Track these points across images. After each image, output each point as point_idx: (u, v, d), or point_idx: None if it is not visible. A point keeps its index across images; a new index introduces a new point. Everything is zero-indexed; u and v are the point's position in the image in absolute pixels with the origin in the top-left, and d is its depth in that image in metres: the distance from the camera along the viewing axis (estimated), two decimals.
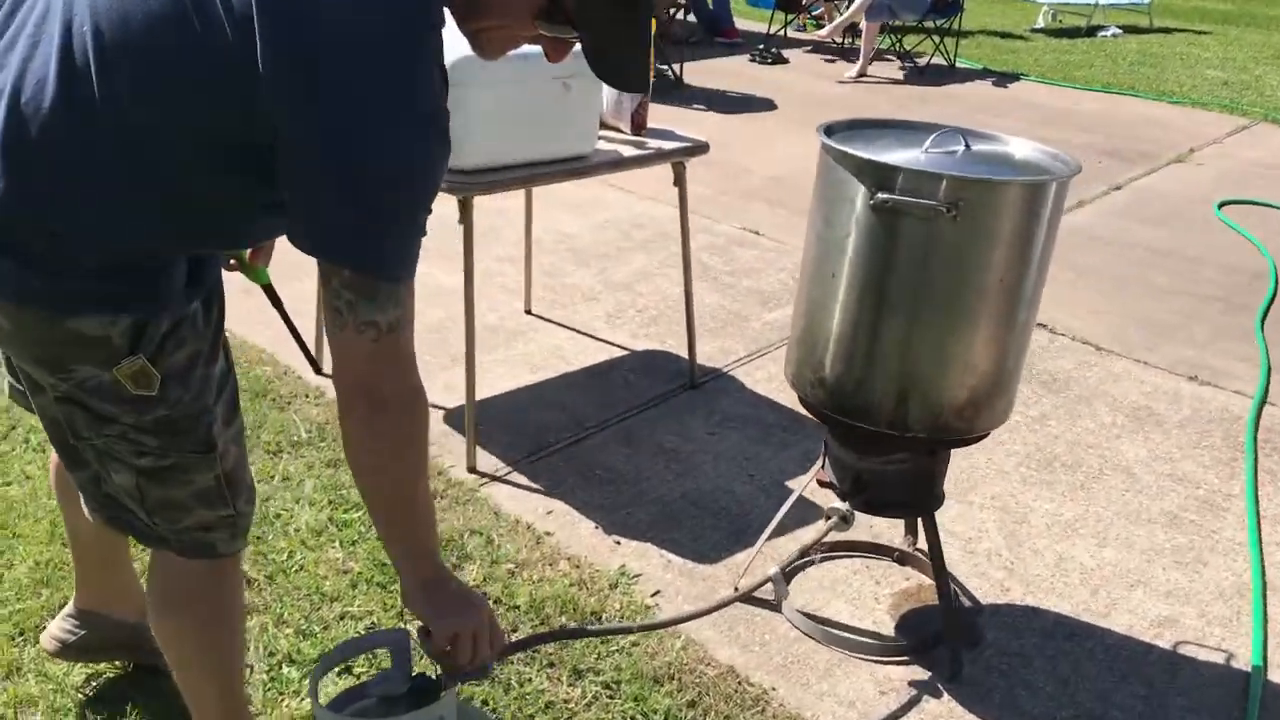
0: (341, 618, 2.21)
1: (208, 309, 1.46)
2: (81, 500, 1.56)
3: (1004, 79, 8.76)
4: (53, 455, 1.68)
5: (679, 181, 2.99)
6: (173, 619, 1.59)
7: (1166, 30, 12.27)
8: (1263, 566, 2.54)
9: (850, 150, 1.80)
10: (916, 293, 1.81)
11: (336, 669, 2.02)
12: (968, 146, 1.91)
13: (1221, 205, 5.42)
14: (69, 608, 1.92)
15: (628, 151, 2.81)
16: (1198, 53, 10.72)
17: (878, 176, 1.77)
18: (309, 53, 1.13)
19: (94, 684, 2.00)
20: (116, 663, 2.01)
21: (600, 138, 2.86)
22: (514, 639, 2.13)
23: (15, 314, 1.29)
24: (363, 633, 2.17)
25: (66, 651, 1.92)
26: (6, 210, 1.21)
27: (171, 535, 1.50)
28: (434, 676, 1.40)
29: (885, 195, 1.76)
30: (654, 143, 2.89)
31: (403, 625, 2.07)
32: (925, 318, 1.82)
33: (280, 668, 2.07)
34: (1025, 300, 1.86)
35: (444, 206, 2.58)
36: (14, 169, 1.19)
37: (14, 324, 1.30)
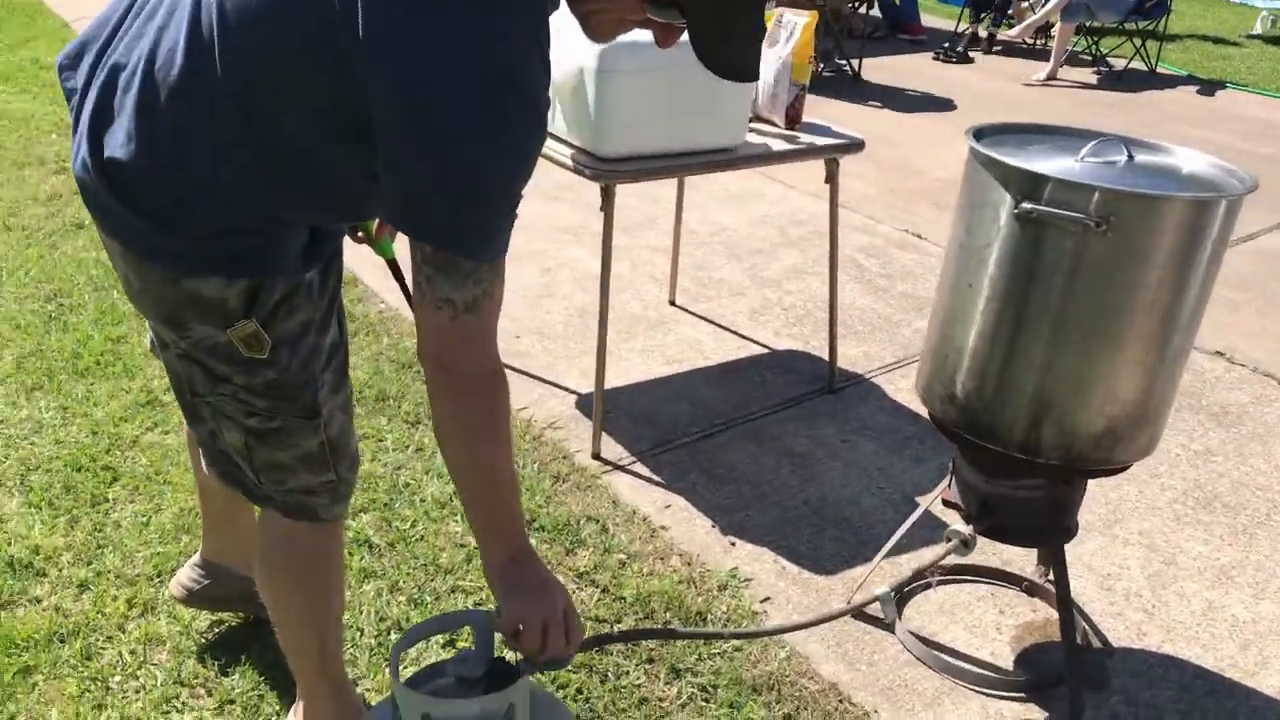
0: (453, 591, 2.25)
1: (324, 279, 1.50)
2: (201, 454, 1.63)
3: (1210, 87, 8.19)
4: None
5: (831, 179, 2.91)
6: (274, 576, 1.65)
7: None
8: None
9: (996, 155, 1.70)
10: (1058, 312, 1.69)
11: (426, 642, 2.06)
12: (1130, 157, 1.77)
13: None
14: (195, 557, 2.02)
15: (778, 145, 2.75)
16: None
17: (1024, 185, 1.66)
18: (405, 26, 1.13)
19: (217, 630, 2.09)
20: (239, 614, 2.10)
21: (752, 130, 2.81)
22: (609, 630, 2.13)
23: (143, 271, 1.36)
24: (471, 608, 2.20)
25: (191, 599, 2.02)
26: (138, 172, 1.28)
27: (276, 495, 1.55)
28: (513, 661, 1.40)
29: (1031, 205, 1.65)
30: (807, 138, 2.81)
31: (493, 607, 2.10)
32: (1066, 339, 1.70)
33: (389, 634, 2.13)
34: (1180, 327, 1.72)
35: (594, 192, 2.59)
36: (145, 133, 1.26)
37: (141, 280, 1.37)
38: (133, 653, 2.01)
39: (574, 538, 2.44)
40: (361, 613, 2.16)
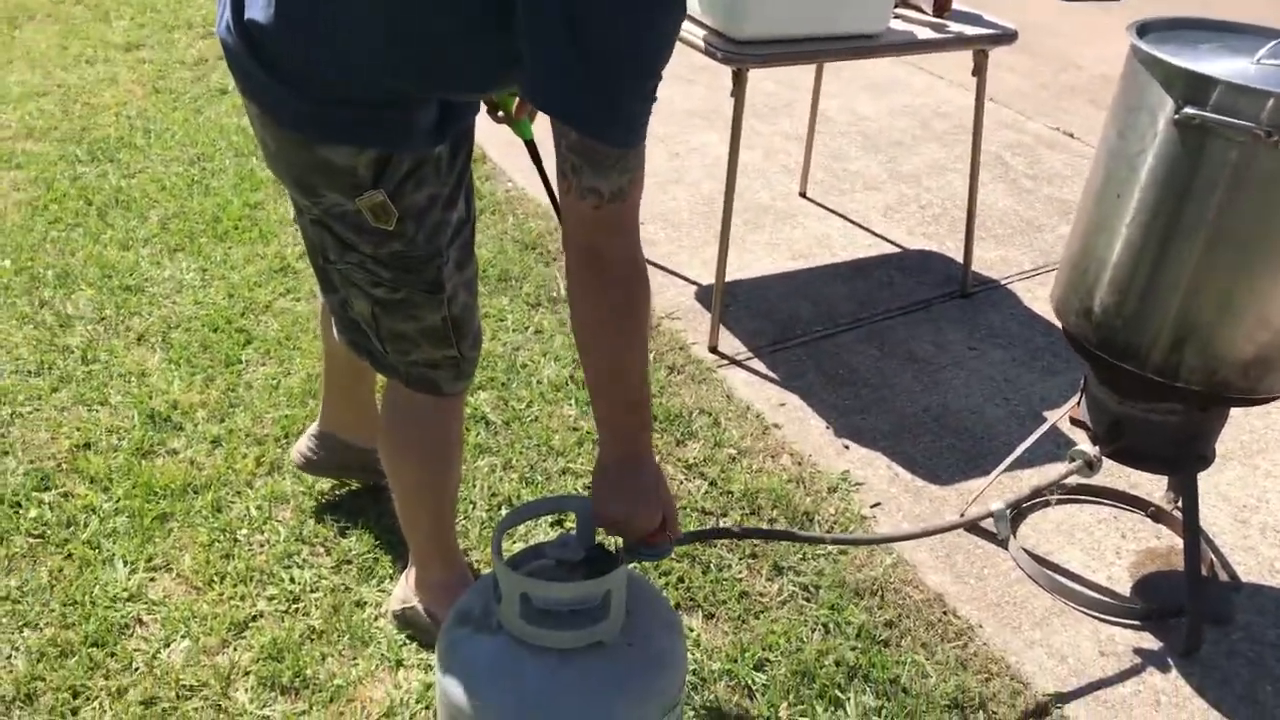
0: (564, 472, 2.29)
1: (454, 154, 1.50)
2: (333, 322, 1.68)
3: None
4: None
5: (978, 71, 2.75)
6: (394, 447, 1.70)
7: None
8: None
9: (1159, 54, 1.56)
10: (1214, 227, 1.56)
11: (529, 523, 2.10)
12: None
13: None
14: (313, 427, 2.10)
15: (923, 34, 2.60)
16: None
17: (1188, 88, 1.52)
18: None
19: (338, 493, 2.18)
20: (359, 480, 2.19)
21: (898, 16, 2.66)
22: (715, 525, 2.14)
23: (280, 136, 1.38)
24: (580, 490, 2.23)
25: (308, 467, 2.10)
26: (275, 35, 1.29)
27: (400, 365, 1.59)
28: (612, 549, 1.42)
29: (1194, 110, 1.51)
30: (956, 26, 2.65)
31: None
32: (1220, 257, 1.58)
33: (500, 509, 2.18)
34: None
35: (728, 75, 2.50)
36: (284, 2, 1.26)
37: (276, 144, 1.40)
38: (259, 508, 2.12)
39: (685, 429, 2.44)
40: (475, 487, 2.22)
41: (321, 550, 2.04)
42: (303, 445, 2.09)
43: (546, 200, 3.39)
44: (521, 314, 2.83)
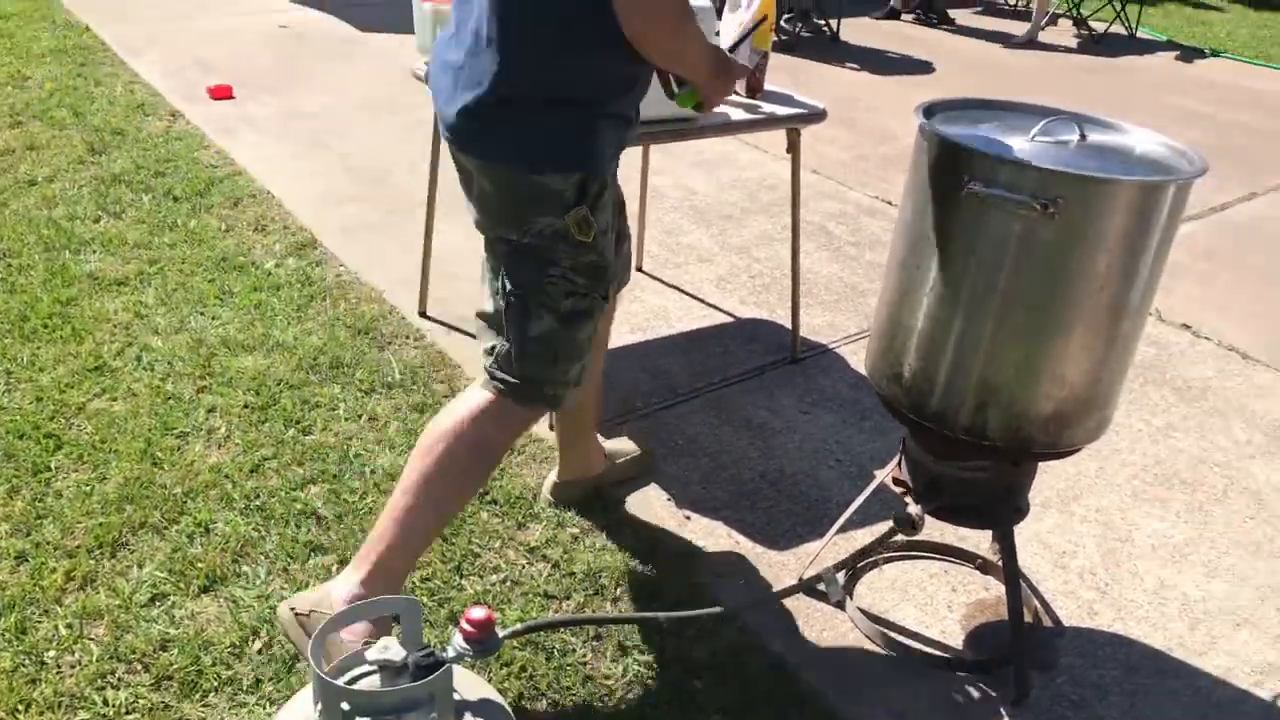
0: None
1: (614, 180, 1.85)
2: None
3: (1189, 54, 8.14)
4: None
5: (792, 148, 2.86)
6: (454, 447, 1.83)
7: None
8: None
9: (945, 133, 1.66)
10: (1005, 295, 1.66)
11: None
12: (1083, 136, 1.74)
13: None
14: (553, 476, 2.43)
15: (738, 115, 2.70)
16: None
17: (971, 165, 1.62)
18: None
19: (157, 604, 2.06)
20: (174, 588, 2.07)
21: None
22: (551, 616, 2.11)
23: (501, 175, 1.72)
24: (418, 584, 2.18)
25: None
26: (508, 83, 1.63)
27: (548, 379, 1.84)
28: (437, 651, 1.38)
29: (978, 187, 1.61)
30: (769, 107, 2.76)
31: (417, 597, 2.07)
32: (1012, 323, 1.68)
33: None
34: (1129, 313, 1.69)
35: None
36: (506, 47, 1.62)
37: (495, 185, 1.74)
38: (69, 627, 1.99)
39: (527, 512, 2.42)
40: (307, 587, 2.14)
41: (139, 667, 1.92)
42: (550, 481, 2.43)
43: (378, 283, 3.36)
44: (354, 401, 2.76)
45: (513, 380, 1.83)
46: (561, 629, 2.07)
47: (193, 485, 2.40)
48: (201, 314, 3.13)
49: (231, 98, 5.15)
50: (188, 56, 5.79)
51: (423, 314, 3.25)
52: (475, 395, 1.88)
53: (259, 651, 1.98)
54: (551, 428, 2.73)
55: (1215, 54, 8.11)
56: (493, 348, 1.86)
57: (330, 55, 6.12)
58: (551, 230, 1.73)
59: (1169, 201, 1.62)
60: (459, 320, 3.22)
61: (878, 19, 8.38)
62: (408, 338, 3.12)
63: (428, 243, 3.21)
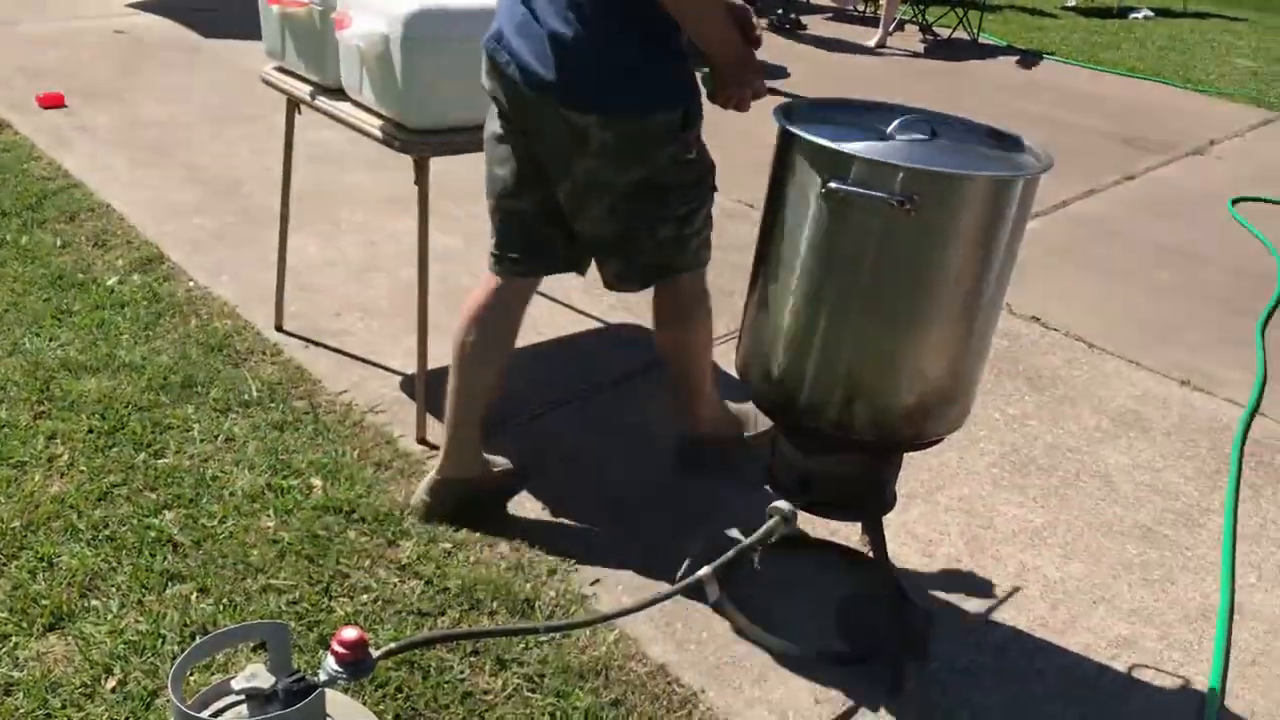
0: (264, 590, 2.13)
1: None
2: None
3: (1027, 58, 8.53)
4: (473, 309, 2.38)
5: None
6: (689, 326, 2.45)
7: (1201, 15, 11.97)
8: (1233, 588, 2.43)
9: (803, 134, 1.68)
10: (866, 292, 1.69)
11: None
12: (935, 134, 1.78)
13: (1236, 202, 5.25)
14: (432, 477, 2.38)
15: None
16: (1231, 40, 10.44)
17: (830, 164, 1.65)
18: None
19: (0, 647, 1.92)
20: None
21: None
22: (426, 633, 2.06)
23: (622, 124, 2.00)
24: (284, 608, 2.09)
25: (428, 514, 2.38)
26: (614, 41, 1.95)
27: (691, 257, 2.30)
28: (308, 675, 1.32)
29: (837, 185, 1.64)
30: None
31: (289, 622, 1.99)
32: (874, 318, 1.71)
33: (194, 639, 1.99)
34: (985, 304, 1.74)
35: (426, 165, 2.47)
36: (608, 11, 1.93)
37: (616, 134, 2.00)
38: None
39: (397, 528, 2.35)
40: (165, 618, 2.03)
41: None
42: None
43: (230, 298, 3.22)
44: (210, 422, 2.64)
45: (673, 266, 2.28)
46: (438, 646, 2.02)
47: (33, 517, 2.25)
48: (37, 335, 2.94)
49: (64, 106, 4.88)
50: (12, 63, 5.46)
51: (279, 328, 3.13)
52: (671, 308, 2.42)
53: (113, 690, 1.86)
54: (420, 441, 2.66)
55: (1054, 58, 8.52)
56: (625, 266, 2.28)
57: (171, 62, 5.87)
58: (669, 157, 2.07)
59: (1019, 196, 1.67)
60: (317, 333, 3.11)
61: None
62: (264, 353, 3.00)
63: (282, 255, 3.09)
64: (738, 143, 5.46)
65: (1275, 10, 13.08)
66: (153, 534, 2.24)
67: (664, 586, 2.25)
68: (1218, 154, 6.15)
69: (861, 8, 9.23)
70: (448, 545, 2.32)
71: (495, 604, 2.16)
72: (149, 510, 2.31)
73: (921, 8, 8.96)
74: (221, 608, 2.08)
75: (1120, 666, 2.19)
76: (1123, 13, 11.29)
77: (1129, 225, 4.80)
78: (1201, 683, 2.16)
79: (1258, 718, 2.09)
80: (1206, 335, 3.78)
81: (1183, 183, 5.54)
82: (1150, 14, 11.36)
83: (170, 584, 2.12)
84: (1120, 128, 6.44)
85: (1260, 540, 2.64)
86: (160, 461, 2.47)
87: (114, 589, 2.09)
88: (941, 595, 2.34)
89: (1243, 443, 3.06)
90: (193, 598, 2.09)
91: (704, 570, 1.95)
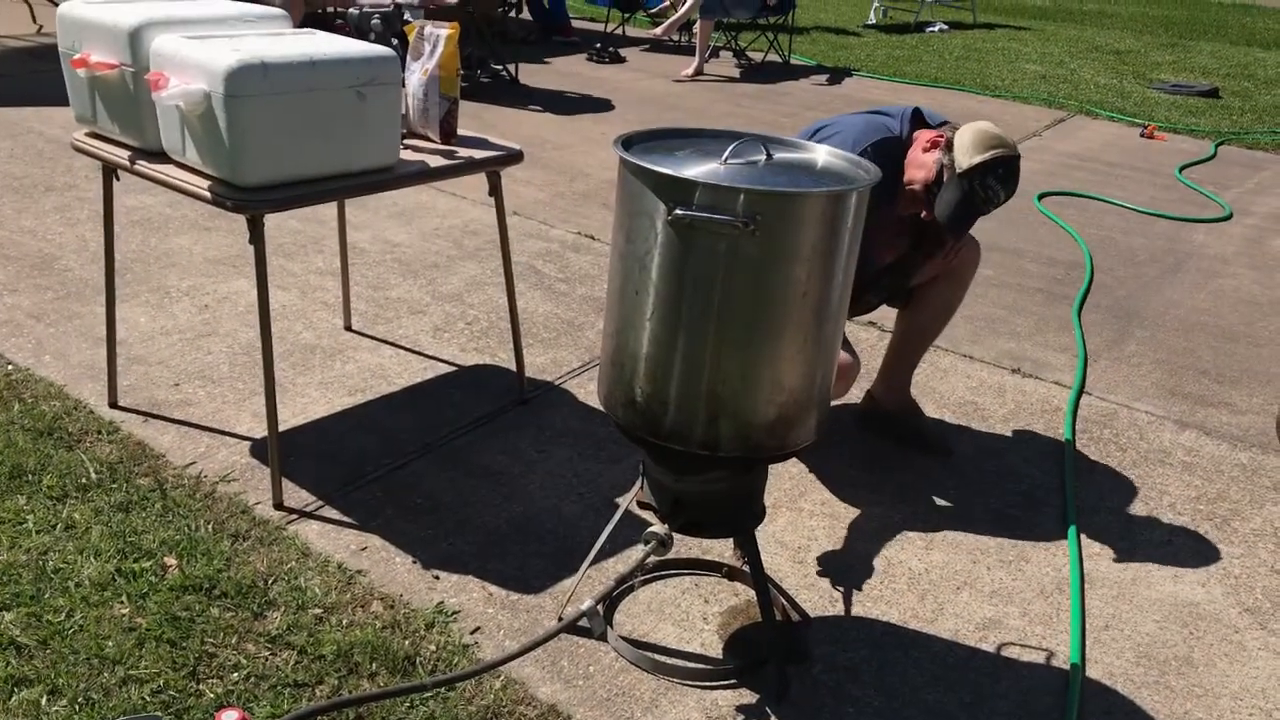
0: (124, 682, 2.01)
1: None
2: None
3: (837, 75, 8.92)
4: None
5: (495, 191, 2.87)
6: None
7: (989, 26, 12.77)
8: (1080, 560, 2.58)
9: (646, 164, 1.71)
10: (720, 311, 1.73)
11: None
12: (769, 156, 1.85)
13: (1041, 197, 5.60)
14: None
15: (436, 162, 2.66)
16: (1018, 48, 11.17)
17: (675, 191, 1.68)
18: None
19: None
20: None
21: (408, 147, 2.71)
22: (306, 706, 1.98)
23: None
24: (148, 698, 1.98)
25: None
26: None
27: None
28: None
29: (683, 211, 1.67)
30: (465, 151, 2.75)
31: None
32: (730, 336, 1.75)
33: None
34: (831, 313, 1.81)
35: (243, 222, 2.40)
36: None
37: None
38: None
39: (262, 599, 2.25)
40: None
41: None
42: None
43: (56, 378, 3.04)
44: (45, 511, 2.48)
45: None
46: (320, 717, 1.94)
47: None
48: None
49: None
50: None
51: (114, 405, 2.97)
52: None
53: None
54: (277, 507, 2.57)
55: (861, 74, 8.93)
56: None
57: None
58: None
59: (854, 208, 1.75)
60: (155, 406, 2.97)
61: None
62: (100, 433, 2.84)
63: (111, 327, 2.94)
64: (563, 175, 5.52)
65: (1051, 18, 14.09)
66: None
67: (545, 625, 2.25)
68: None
69: (676, 38, 9.47)
70: (318, 611, 2.24)
71: (375, 665, 2.10)
72: None
73: (733, 35, 9.26)
74: (77, 708, 1.95)
75: (989, 647, 2.29)
76: (920, 28, 11.94)
77: None
78: (1064, 653, 2.28)
79: (1117, 679, 2.22)
80: (1029, 324, 4.01)
81: None
82: (945, 27, 12.05)
83: (16, 689, 1.98)
84: None
85: (1098, 511, 2.82)
86: None
87: None
88: (816, 599, 2.40)
89: (1073, 421, 3.26)
90: (43, 701, 1.96)
91: (587, 604, 1.95)
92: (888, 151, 2.57)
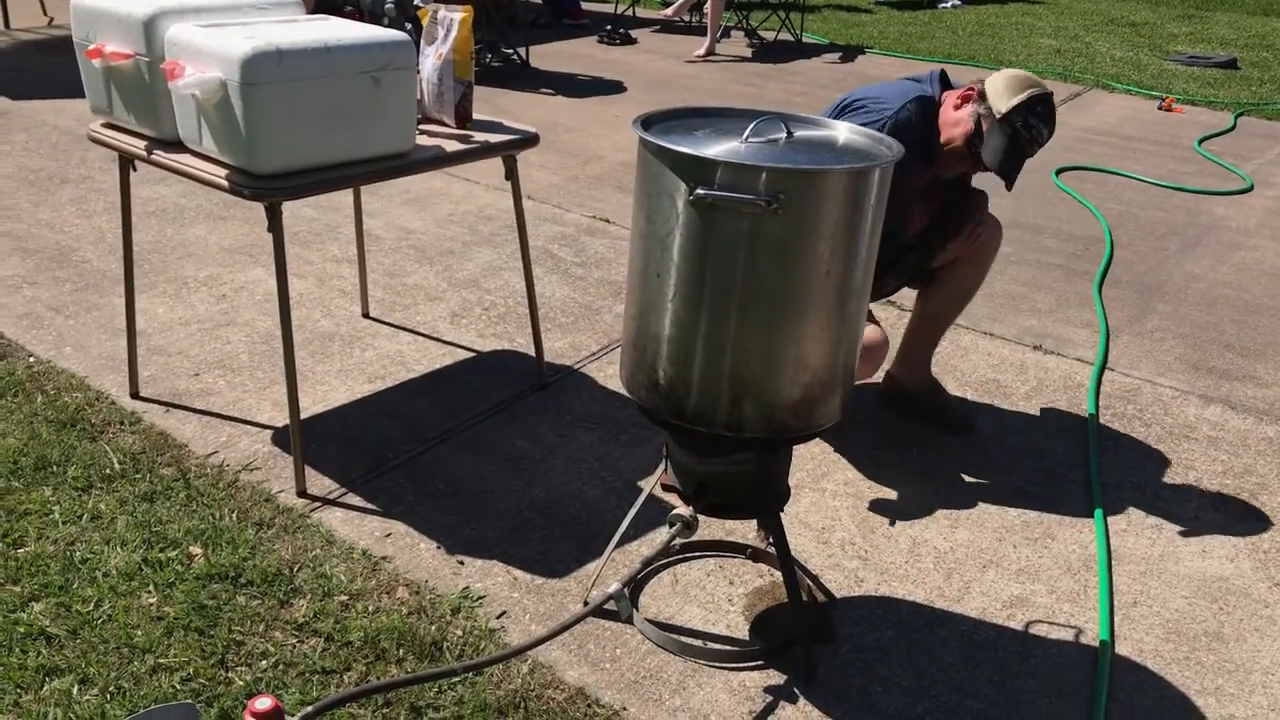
0: (154, 671, 2.02)
1: None
2: None
3: (849, 53, 8.85)
4: None
5: (511, 175, 2.85)
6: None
7: (1002, 0, 12.64)
8: (1107, 537, 2.57)
9: (667, 144, 1.69)
10: (743, 291, 1.72)
11: None
12: (789, 134, 1.83)
13: (1059, 172, 5.55)
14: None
15: (452, 146, 2.65)
16: (1032, 22, 11.06)
17: (696, 171, 1.67)
18: None
19: None
20: None
21: (423, 132, 2.70)
22: (338, 692, 1.99)
23: None
24: (178, 686, 1.98)
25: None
26: None
27: None
28: None
29: (704, 191, 1.66)
30: (481, 135, 2.74)
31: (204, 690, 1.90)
32: (753, 316, 1.73)
33: None
34: (855, 291, 1.79)
35: (259, 210, 2.40)
36: None
37: None
38: None
39: (288, 587, 2.26)
40: (46, 717, 1.90)
41: None
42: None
43: (78, 370, 3.05)
44: (71, 502, 2.49)
45: None
46: (350, 704, 1.95)
47: None
48: None
49: None
50: None
51: (135, 395, 2.98)
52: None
53: None
54: (300, 495, 2.58)
55: (874, 51, 8.86)
56: None
57: None
58: None
59: (876, 185, 1.73)
60: (177, 396, 2.98)
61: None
62: (122, 423, 2.85)
63: (131, 319, 2.95)
64: (576, 158, 5.50)
65: None
66: (21, 629, 2.09)
67: (571, 609, 2.25)
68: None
69: (687, 18, 9.41)
70: (344, 598, 2.24)
71: (402, 651, 2.10)
72: (15, 604, 2.16)
73: (744, 14, 9.19)
74: (109, 697, 1.96)
75: (1017, 625, 2.28)
76: (932, 3, 11.83)
77: None
78: (1092, 630, 2.27)
79: (1147, 656, 2.21)
80: (1051, 300, 3.98)
81: None
82: (958, 3, 11.93)
83: (48, 679, 1.99)
84: None
85: (1124, 487, 2.80)
86: (21, 551, 2.32)
87: None
88: (841, 579, 2.39)
89: (1096, 398, 3.23)
90: (74, 691, 1.97)
91: (613, 587, 1.94)
92: (926, 110, 2.59)
